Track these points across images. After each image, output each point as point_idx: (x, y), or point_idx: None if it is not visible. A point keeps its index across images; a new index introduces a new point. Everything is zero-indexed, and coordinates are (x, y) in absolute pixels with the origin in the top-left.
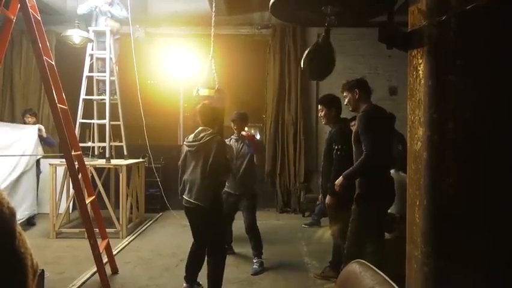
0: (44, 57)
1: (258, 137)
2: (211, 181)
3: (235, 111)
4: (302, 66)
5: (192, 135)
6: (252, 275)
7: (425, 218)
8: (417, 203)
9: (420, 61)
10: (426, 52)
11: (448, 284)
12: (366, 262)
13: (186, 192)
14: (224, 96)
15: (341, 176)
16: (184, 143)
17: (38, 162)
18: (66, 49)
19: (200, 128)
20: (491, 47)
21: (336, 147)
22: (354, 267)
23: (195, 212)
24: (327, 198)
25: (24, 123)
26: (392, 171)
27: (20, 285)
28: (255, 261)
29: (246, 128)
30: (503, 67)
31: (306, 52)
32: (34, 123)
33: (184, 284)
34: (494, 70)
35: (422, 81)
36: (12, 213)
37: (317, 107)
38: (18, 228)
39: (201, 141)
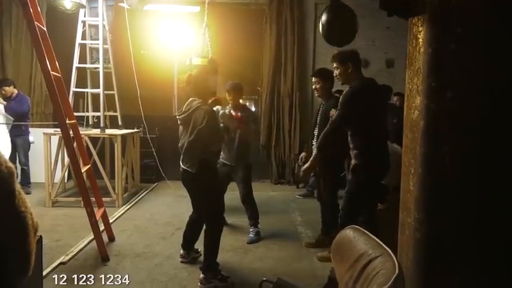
0: (36, 22)
1: (253, 109)
2: (198, 147)
3: (229, 82)
4: (321, 30)
5: (183, 107)
6: (247, 243)
7: (419, 186)
8: (412, 171)
9: (420, 29)
10: (427, 19)
11: (439, 250)
12: (360, 228)
13: (181, 159)
14: (216, 65)
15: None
16: (177, 115)
17: (26, 131)
18: (57, 16)
19: (190, 99)
20: (491, 14)
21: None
22: (348, 232)
23: (185, 178)
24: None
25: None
26: None
27: (22, 242)
28: (251, 230)
29: (240, 100)
30: (502, 35)
31: (326, 14)
32: (11, 94)
33: (181, 251)
34: (494, 38)
35: (422, 50)
36: (11, 173)
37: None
38: (18, 187)
39: (190, 110)
